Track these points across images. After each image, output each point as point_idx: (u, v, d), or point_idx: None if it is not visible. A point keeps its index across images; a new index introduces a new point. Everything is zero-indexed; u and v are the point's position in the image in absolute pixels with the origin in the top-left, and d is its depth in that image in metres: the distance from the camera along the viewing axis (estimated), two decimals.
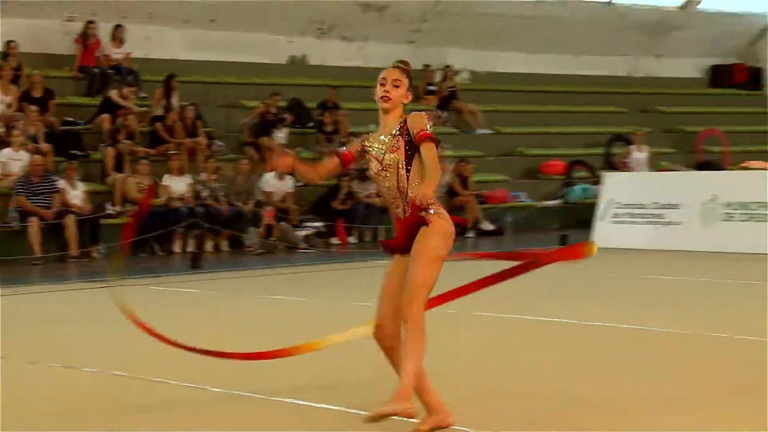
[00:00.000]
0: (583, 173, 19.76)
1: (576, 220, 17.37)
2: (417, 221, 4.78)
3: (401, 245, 4.86)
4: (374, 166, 4.95)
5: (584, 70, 22.57)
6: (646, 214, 15.00)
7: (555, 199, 19.03)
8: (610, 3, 22.78)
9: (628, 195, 15.22)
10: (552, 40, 21.88)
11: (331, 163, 5.10)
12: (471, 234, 17.20)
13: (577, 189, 19.05)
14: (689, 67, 24.49)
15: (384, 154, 4.91)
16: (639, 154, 18.84)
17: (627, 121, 21.63)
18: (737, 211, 14.21)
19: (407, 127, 4.88)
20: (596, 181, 17.50)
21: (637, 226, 15.01)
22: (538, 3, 21.92)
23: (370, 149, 4.96)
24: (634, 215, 15.12)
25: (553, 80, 22.03)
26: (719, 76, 24.86)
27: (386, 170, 4.91)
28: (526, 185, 19.39)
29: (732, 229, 14.14)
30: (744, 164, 18.73)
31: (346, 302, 9.68)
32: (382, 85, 4.91)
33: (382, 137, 4.94)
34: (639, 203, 15.06)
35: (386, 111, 4.92)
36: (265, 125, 17.23)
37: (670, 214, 14.81)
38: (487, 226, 17.46)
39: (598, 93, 22.47)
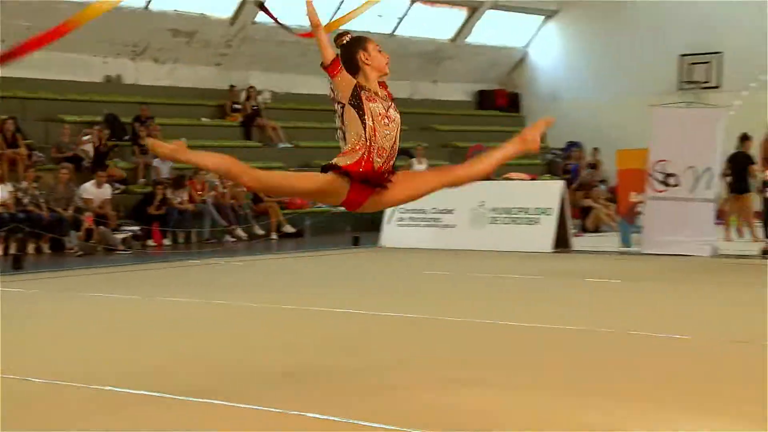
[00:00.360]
0: None
1: (367, 223, 17.57)
2: (384, 181, 4.74)
3: (370, 175, 4.71)
4: (377, 108, 4.73)
5: None
6: (426, 218, 15.32)
7: None
8: (392, 35, 23.21)
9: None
10: None
11: (325, 42, 4.78)
12: (274, 236, 17.14)
13: None
14: (460, 91, 25.24)
15: (389, 108, 4.78)
16: (419, 166, 19.25)
17: (409, 137, 22.03)
18: (501, 215, 14.73)
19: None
20: None
21: (418, 228, 15.32)
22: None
23: (369, 91, 4.75)
24: (416, 219, 15.42)
25: None
26: (484, 99, 25.74)
27: (390, 121, 4.75)
28: None
29: (497, 230, 14.64)
30: (506, 175, 19.41)
31: (160, 297, 9.45)
32: (380, 52, 4.84)
33: (379, 92, 4.78)
34: (420, 208, 15.36)
35: (385, 76, 4.83)
36: (100, 156, 16.64)
37: (446, 217, 15.19)
38: (289, 229, 17.43)
39: None
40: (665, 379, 5.66)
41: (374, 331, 7.49)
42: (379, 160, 4.73)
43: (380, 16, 22.99)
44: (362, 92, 4.74)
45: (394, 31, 23.27)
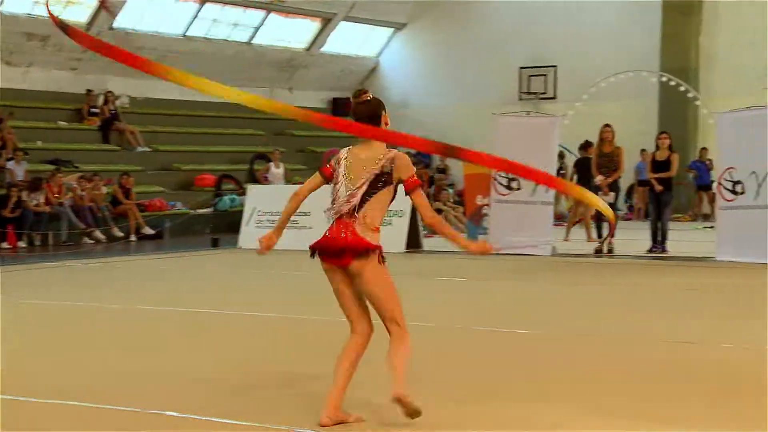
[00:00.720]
0: (230, 186, 19.78)
1: (226, 225, 17.36)
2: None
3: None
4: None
5: None
6: None
7: (207, 207, 18.89)
8: (249, 43, 23.01)
9: (269, 204, 15.35)
10: (201, 73, 21.43)
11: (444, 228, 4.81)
12: (133, 238, 16.68)
13: (226, 199, 19.02)
14: (315, 98, 25.22)
15: None
16: (276, 169, 19.15)
17: (266, 142, 21.91)
18: None
19: None
20: (242, 193, 17.55)
21: None
22: (188, 40, 21.73)
23: None
24: (273, 221, 15.22)
25: (204, 106, 21.87)
26: (339, 106, 25.77)
27: None
28: (181, 195, 19.10)
29: None
30: None
31: (13, 300, 9.04)
32: None
33: None
34: (277, 211, 15.14)
35: None
36: None
37: (303, 220, 15.05)
38: (148, 231, 17.00)
39: (242, 118, 22.54)
40: (507, 372, 5.80)
41: (232, 330, 7.40)
42: None
43: (236, 25, 22.78)
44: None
45: (251, 39, 23.12)
